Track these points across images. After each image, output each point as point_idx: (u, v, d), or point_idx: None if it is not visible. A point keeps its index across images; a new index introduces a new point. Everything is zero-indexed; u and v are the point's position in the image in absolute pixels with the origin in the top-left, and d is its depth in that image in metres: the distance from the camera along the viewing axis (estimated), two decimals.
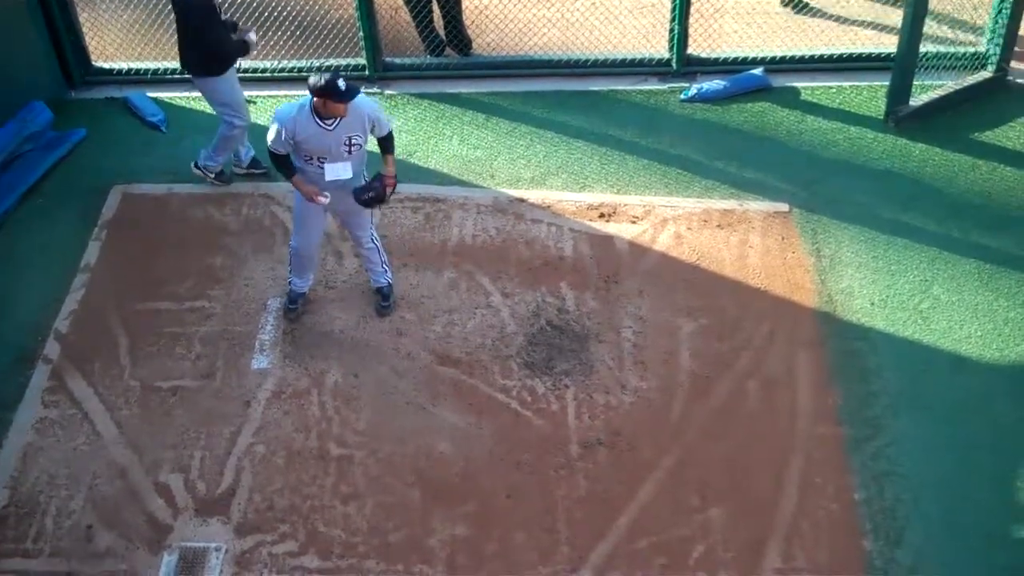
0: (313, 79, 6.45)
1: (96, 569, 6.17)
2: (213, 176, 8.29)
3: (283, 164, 6.82)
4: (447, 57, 9.51)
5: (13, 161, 8.52)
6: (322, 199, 6.79)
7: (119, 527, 6.35)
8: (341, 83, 6.42)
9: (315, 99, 6.50)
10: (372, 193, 6.89)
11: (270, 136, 6.71)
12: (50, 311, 7.51)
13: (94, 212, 8.22)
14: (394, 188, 6.97)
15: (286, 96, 8.71)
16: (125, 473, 6.61)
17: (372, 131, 6.79)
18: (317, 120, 6.58)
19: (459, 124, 8.94)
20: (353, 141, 6.69)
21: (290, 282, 7.38)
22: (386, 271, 7.37)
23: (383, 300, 7.41)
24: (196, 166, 8.28)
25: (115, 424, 6.86)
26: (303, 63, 9.25)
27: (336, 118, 6.58)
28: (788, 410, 6.79)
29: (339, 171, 6.76)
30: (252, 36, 8.00)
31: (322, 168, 6.74)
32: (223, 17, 7.86)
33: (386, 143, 6.93)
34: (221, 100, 7.97)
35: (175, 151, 8.59)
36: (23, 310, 7.55)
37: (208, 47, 7.72)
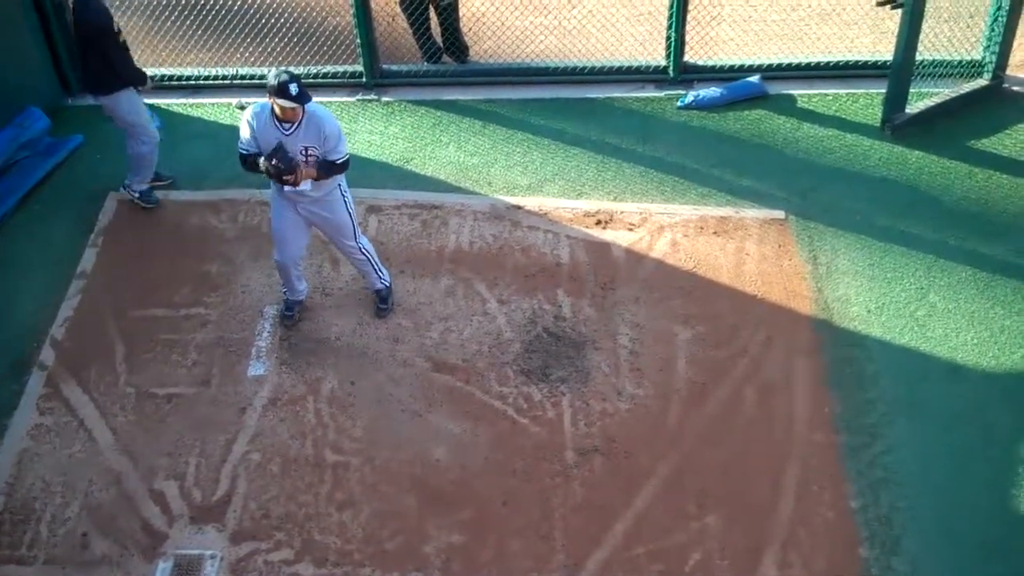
0: (269, 77, 6.42)
1: None
2: (137, 196, 8.25)
3: (253, 165, 6.73)
4: (444, 64, 9.51)
5: (10, 167, 8.52)
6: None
7: (114, 534, 6.34)
8: (293, 86, 6.36)
9: (269, 99, 6.48)
10: (279, 164, 6.53)
11: (240, 135, 6.71)
12: (46, 317, 7.50)
13: (90, 218, 8.22)
14: (295, 182, 6.59)
15: None
16: (120, 480, 6.59)
17: (322, 146, 6.62)
18: (276, 123, 6.56)
19: (456, 131, 8.94)
20: (310, 152, 6.60)
21: (283, 292, 7.39)
22: (381, 276, 7.36)
23: (381, 302, 7.42)
24: (123, 187, 8.28)
25: (110, 431, 6.85)
26: (301, 70, 9.22)
27: (293, 123, 6.54)
28: (785, 417, 6.78)
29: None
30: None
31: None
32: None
33: (328, 165, 6.67)
34: (127, 119, 7.97)
35: (171, 158, 8.56)
36: (19, 316, 7.54)
37: (113, 65, 7.68)
